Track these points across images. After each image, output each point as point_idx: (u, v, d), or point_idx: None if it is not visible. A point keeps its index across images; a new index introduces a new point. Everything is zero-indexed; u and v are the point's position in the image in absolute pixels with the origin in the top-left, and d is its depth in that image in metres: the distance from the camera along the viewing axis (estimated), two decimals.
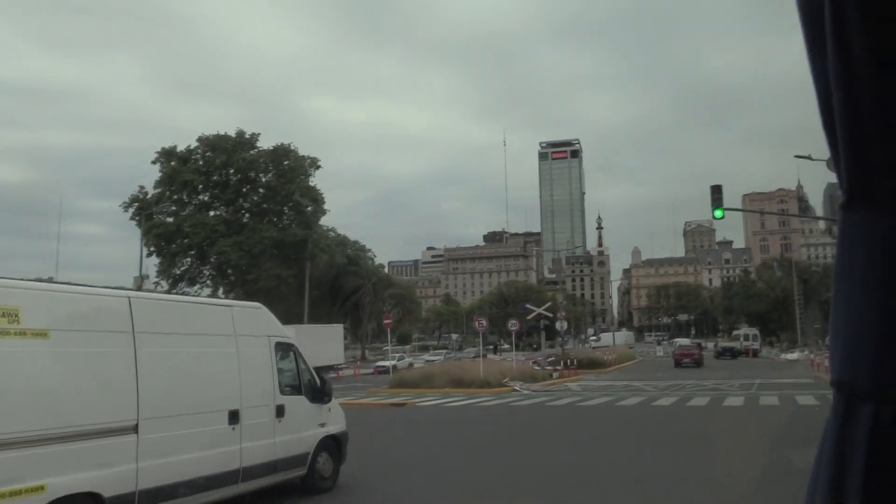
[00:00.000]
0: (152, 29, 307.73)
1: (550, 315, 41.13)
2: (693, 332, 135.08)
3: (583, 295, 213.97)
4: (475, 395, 25.60)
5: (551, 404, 22.02)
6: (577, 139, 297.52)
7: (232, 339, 9.23)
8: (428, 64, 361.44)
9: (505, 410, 21.14)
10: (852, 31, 0.58)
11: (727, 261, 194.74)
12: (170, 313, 8.68)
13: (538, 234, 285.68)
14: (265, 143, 60.09)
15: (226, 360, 9.07)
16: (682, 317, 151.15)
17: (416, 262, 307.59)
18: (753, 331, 68.58)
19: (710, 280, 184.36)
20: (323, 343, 38.45)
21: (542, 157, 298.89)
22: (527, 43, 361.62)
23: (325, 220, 61.94)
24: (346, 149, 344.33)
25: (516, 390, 26.71)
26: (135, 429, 7.47)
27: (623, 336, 64.14)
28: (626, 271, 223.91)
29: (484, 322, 36.41)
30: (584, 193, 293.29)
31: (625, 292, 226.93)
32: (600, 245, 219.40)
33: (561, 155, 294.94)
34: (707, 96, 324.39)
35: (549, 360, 37.29)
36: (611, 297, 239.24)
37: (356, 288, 63.32)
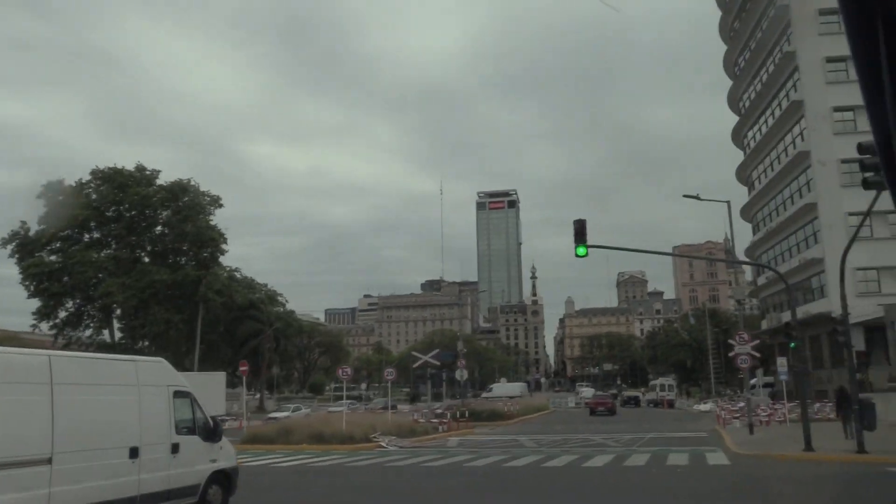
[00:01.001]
0: (90, 69, 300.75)
1: (437, 363, 38.56)
2: (619, 381, 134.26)
3: (516, 344, 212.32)
4: (332, 451, 22.74)
5: (395, 464, 19.28)
6: (514, 190, 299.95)
7: (135, 388, 11.00)
8: (373, 113, 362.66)
9: (341, 470, 18.38)
10: None
11: (658, 311, 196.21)
12: (83, 368, 10.49)
13: (475, 283, 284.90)
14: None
15: (128, 406, 10.79)
16: (607, 366, 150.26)
17: (353, 309, 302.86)
18: (669, 380, 68.35)
19: (642, 330, 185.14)
20: (203, 391, 34.74)
21: (480, 206, 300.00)
22: (471, 96, 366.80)
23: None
24: (288, 195, 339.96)
25: (382, 446, 23.89)
26: (49, 461, 9.14)
27: (518, 387, 62.56)
28: (562, 321, 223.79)
29: (393, 372, 34.16)
30: (520, 243, 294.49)
31: (560, 342, 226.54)
32: (534, 295, 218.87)
33: (498, 205, 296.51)
34: (644, 153, 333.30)
35: (437, 411, 34.59)
36: (545, 346, 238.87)
37: (255, 333, 59.59)
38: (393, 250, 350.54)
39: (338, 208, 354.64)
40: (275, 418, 38.80)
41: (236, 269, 61.16)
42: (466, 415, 34.67)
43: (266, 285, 70.07)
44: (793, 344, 19.62)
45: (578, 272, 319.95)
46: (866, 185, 14.04)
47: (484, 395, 58.73)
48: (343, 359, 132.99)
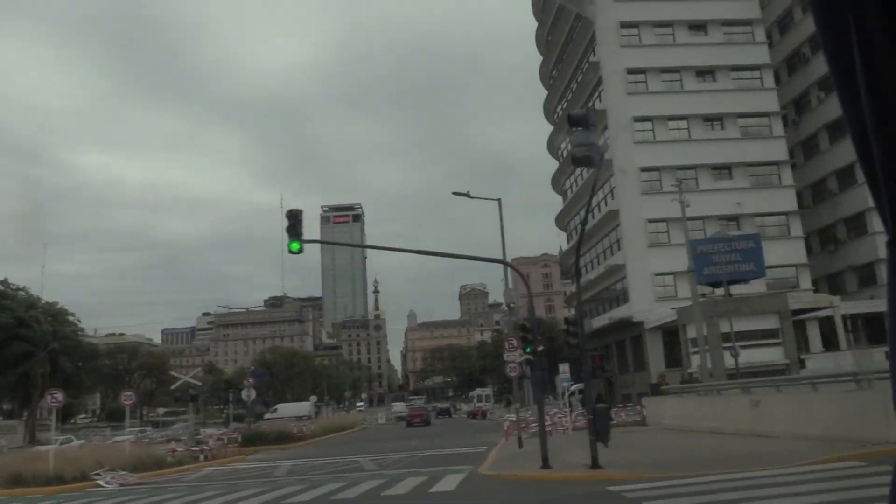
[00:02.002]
0: None
1: (198, 383, 34.91)
2: (450, 393, 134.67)
3: (359, 359, 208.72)
4: (26, 496, 18.71)
5: None
6: (359, 204, 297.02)
7: None
8: (216, 125, 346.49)
9: None
10: (883, 66, 0.59)
11: (497, 322, 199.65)
12: None
13: (320, 298, 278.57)
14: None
15: None
16: (437, 379, 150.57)
17: (192, 329, 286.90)
18: (487, 391, 69.00)
19: (482, 341, 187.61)
20: None
21: (324, 221, 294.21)
22: (317, 110, 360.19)
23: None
24: (124, 209, 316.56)
25: (101, 486, 20.11)
26: None
27: (305, 406, 60.26)
28: (407, 334, 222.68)
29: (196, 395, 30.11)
30: (365, 258, 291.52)
31: (405, 355, 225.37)
32: (377, 309, 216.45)
33: (343, 219, 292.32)
34: (485, 167, 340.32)
35: (197, 436, 30.97)
36: (389, 360, 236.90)
37: (26, 355, 52.36)
38: (236, 267, 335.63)
39: (178, 223, 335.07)
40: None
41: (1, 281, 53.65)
42: (239, 439, 31.31)
43: (56, 304, 62.48)
44: (528, 348, 18.07)
45: (424, 286, 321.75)
46: (576, 161, 12.31)
47: (267, 415, 55.28)
48: (169, 381, 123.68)
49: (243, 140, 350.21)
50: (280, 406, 64.76)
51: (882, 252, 47.60)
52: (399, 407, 70.46)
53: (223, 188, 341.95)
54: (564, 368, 29.91)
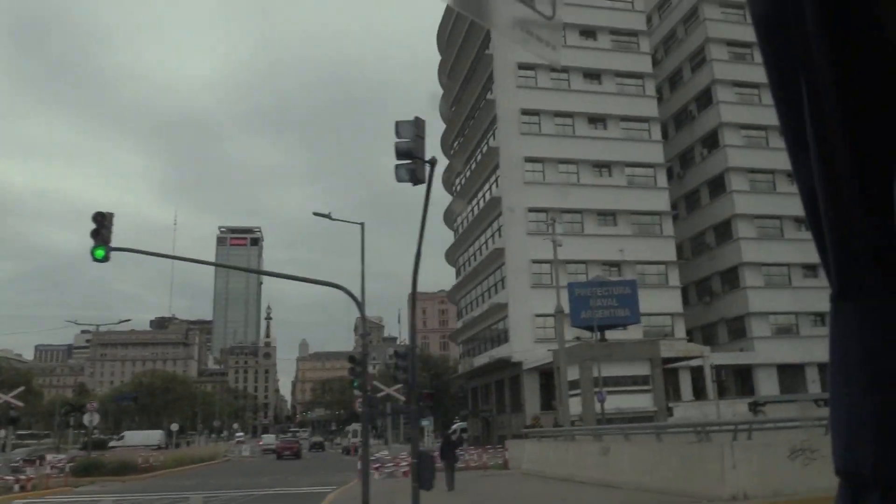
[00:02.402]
0: None
1: (19, 403, 31.91)
2: (333, 426, 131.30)
3: (245, 387, 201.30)
4: None
5: None
6: (258, 227, 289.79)
7: None
8: (115, 135, 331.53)
9: None
10: (832, 123, 0.61)
11: (391, 356, 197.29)
12: None
13: (210, 322, 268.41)
14: None
15: None
16: (321, 411, 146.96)
17: (69, 346, 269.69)
18: (357, 427, 67.57)
19: (375, 374, 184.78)
20: None
21: (221, 242, 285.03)
22: (225, 127, 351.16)
23: None
24: (3, 215, 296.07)
25: None
26: None
27: (156, 435, 57.22)
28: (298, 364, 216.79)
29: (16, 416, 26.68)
30: (261, 283, 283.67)
31: (294, 385, 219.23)
32: (268, 336, 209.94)
33: (240, 241, 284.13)
34: (396, 201, 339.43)
35: (14, 464, 27.92)
36: (277, 390, 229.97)
37: None
38: (125, 284, 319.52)
39: (63, 234, 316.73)
40: None
41: None
42: (67, 468, 28.44)
43: None
44: (355, 382, 16.97)
45: (324, 315, 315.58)
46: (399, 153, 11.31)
47: (112, 443, 51.72)
48: (33, 401, 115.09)
49: (145, 154, 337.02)
50: (128, 433, 60.82)
51: (752, 306, 49.46)
52: (269, 439, 68.00)
53: (118, 202, 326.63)
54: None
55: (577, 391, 36.43)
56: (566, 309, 38.80)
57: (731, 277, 51.10)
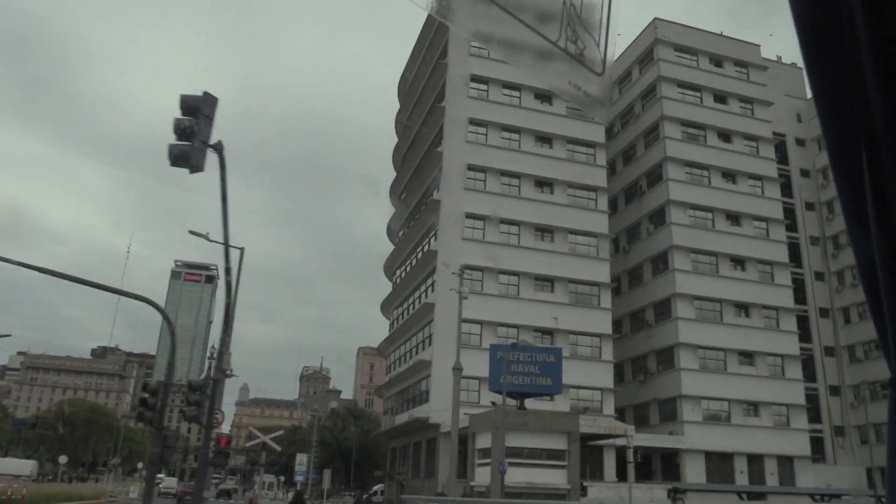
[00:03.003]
0: None
1: None
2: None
3: (178, 427, 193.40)
4: None
5: None
6: (215, 265, 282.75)
7: None
8: (84, 158, 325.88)
9: None
10: (894, 198, 0.58)
11: (334, 409, 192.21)
12: None
13: (153, 356, 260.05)
14: None
15: None
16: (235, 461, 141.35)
17: (3, 367, 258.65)
18: (270, 478, 64.58)
19: (297, 426, 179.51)
20: None
21: (175, 276, 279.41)
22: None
23: None
24: None
25: None
26: None
27: (28, 465, 53.44)
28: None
29: None
30: (211, 322, 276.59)
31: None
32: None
33: (195, 278, 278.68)
34: (357, 254, 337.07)
35: None
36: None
37: None
38: (74, 309, 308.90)
39: (18, 252, 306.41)
40: None
41: None
42: None
43: None
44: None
45: (272, 362, 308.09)
46: (173, 160, 9.60)
47: None
48: None
49: (113, 180, 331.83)
50: None
51: (685, 389, 48.08)
52: (170, 482, 64.16)
53: (77, 225, 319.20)
54: (302, 459, 26.38)
55: (488, 460, 34.35)
56: (487, 372, 37.03)
57: (666, 357, 49.84)
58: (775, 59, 70.66)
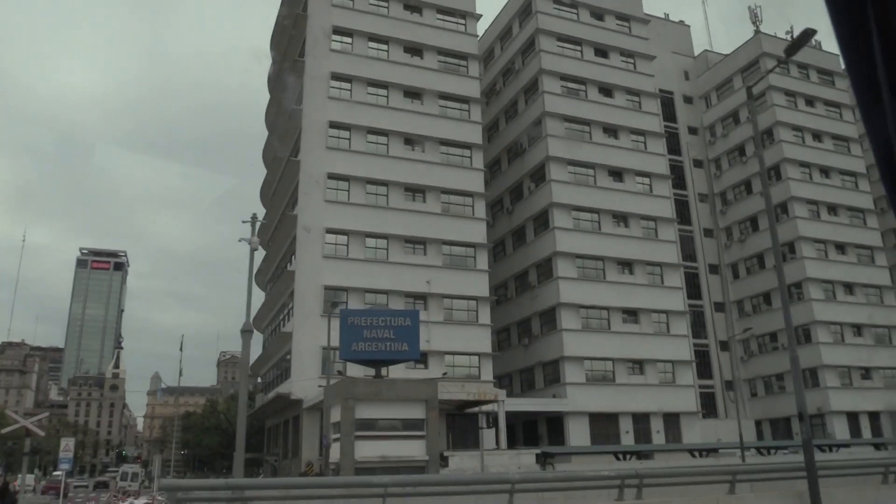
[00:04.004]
0: None
1: None
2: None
3: (87, 422, 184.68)
4: None
5: None
6: (124, 251, 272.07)
7: None
8: None
9: None
10: None
11: (232, 393, 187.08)
12: None
13: (61, 350, 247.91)
14: None
15: None
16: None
17: None
18: (135, 468, 60.65)
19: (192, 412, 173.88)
20: None
21: (81, 264, 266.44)
22: (103, 146, 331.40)
23: None
24: None
25: None
26: None
27: None
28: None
29: None
30: (122, 310, 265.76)
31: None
32: (116, 367, 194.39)
33: (103, 265, 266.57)
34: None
35: None
36: (130, 426, 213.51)
37: None
38: None
39: None
40: None
41: None
42: None
43: None
44: None
45: (193, 349, 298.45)
46: None
47: None
48: None
49: (11, 166, 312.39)
50: None
51: (567, 350, 46.42)
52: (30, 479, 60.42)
53: None
54: (67, 444, 23.08)
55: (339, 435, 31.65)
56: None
57: (549, 319, 48.13)
58: (663, 16, 69.64)
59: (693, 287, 60.42)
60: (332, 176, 43.21)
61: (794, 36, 63.90)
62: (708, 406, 58.11)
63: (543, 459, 34.40)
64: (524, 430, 49.44)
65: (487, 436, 41.63)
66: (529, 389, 49.08)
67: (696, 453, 40.23)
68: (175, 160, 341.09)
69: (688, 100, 66.49)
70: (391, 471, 29.90)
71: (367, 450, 31.08)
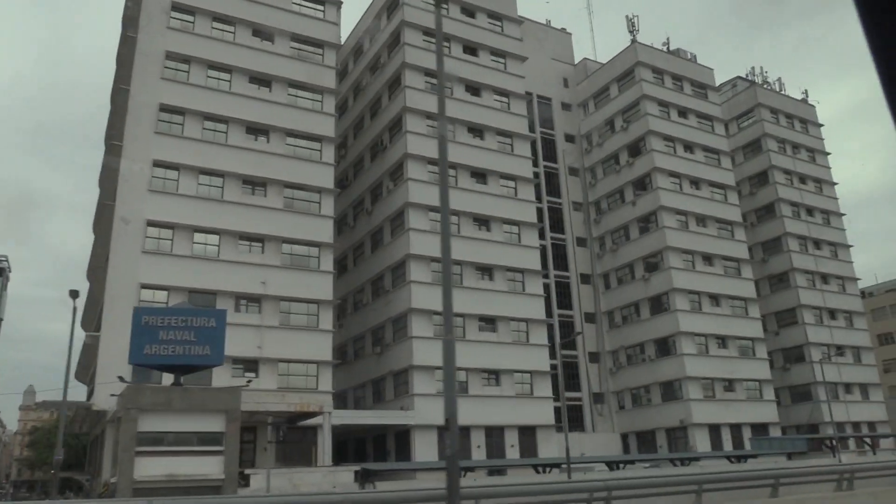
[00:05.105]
0: None
1: None
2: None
3: None
4: None
5: None
6: (5, 256, 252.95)
7: None
8: None
9: None
10: None
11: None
12: None
13: None
14: None
15: None
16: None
17: None
18: None
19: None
20: None
21: None
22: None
23: None
24: None
25: None
26: None
27: None
28: None
29: None
30: (1, 319, 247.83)
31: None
32: None
33: None
34: None
35: None
36: (6, 442, 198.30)
37: None
38: None
39: None
40: None
41: None
42: None
43: None
44: None
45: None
46: None
47: None
48: None
49: None
50: None
51: (417, 358, 43.57)
52: None
53: None
54: None
55: (143, 449, 27.68)
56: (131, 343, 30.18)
57: (401, 325, 45.30)
58: (544, 22, 68.67)
59: (564, 297, 58.98)
60: (158, 164, 39.19)
61: (671, 47, 63.51)
62: (575, 419, 56.54)
63: (363, 477, 31.25)
64: (374, 445, 46.36)
65: (323, 451, 38.31)
66: (380, 401, 46.07)
67: (541, 469, 37.98)
68: (72, 162, 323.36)
69: (566, 107, 65.48)
70: (179, 492, 26.18)
71: (152, 468, 27.29)
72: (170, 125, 40.42)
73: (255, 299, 39.72)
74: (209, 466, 28.24)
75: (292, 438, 38.69)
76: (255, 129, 42.61)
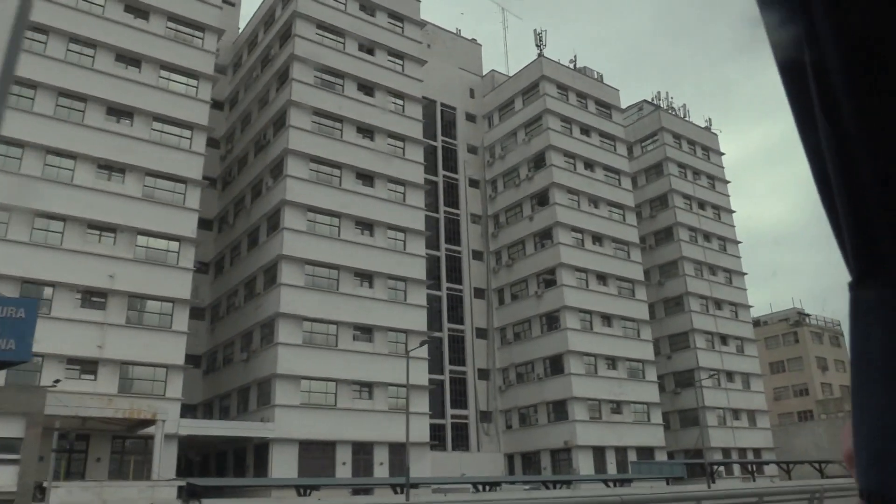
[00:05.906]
0: None
1: None
2: None
3: None
4: None
5: None
6: None
7: None
8: None
9: None
10: (839, 97, 0.56)
11: None
12: None
13: None
14: None
15: None
16: None
17: None
18: None
19: None
20: None
21: None
22: None
23: None
24: None
25: None
26: None
27: None
28: None
29: None
30: None
31: None
32: None
33: None
34: None
35: None
36: None
37: None
38: None
39: None
40: None
41: None
42: None
43: None
44: None
45: None
46: None
47: None
48: None
49: None
50: None
51: (281, 366, 40.66)
52: None
53: None
54: None
55: None
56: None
57: (268, 331, 42.46)
58: (454, 31, 67.42)
59: (456, 310, 57.20)
60: (4, 141, 35.43)
61: (577, 65, 62.88)
62: (460, 438, 54.62)
63: (188, 494, 28.28)
64: (235, 459, 43.15)
65: (165, 464, 35.02)
66: (245, 411, 42.98)
67: (398, 489, 35.69)
68: None
69: (471, 118, 64.13)
70: None
71: None
72: (18, 98, 36.78)
73: (100, 294, 36.29)
74: (0, 477, 24.87)
75: (133, 449, 35.40)
76: (118, 111, 39.33)
